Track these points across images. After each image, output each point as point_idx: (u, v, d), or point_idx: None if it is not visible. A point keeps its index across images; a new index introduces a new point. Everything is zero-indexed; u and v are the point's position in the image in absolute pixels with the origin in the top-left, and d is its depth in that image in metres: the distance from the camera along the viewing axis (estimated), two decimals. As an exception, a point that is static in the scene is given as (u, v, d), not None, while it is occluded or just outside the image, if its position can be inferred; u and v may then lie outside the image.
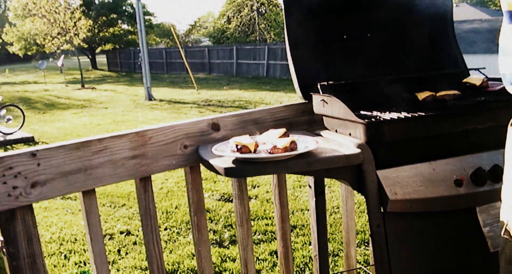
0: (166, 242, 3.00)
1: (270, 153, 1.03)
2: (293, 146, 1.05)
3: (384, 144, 1.12)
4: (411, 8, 1.45)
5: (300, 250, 2.69)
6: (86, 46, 25.47)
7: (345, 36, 1.42)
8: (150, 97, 11.53)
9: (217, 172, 1.04)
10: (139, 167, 1.17)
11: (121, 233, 3.19)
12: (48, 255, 2.87)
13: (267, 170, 1.03)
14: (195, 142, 1.25)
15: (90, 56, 28.24)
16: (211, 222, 3.23)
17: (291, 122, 1.40)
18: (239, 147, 1.05)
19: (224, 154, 1.06)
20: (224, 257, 2.70)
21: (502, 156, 0.86)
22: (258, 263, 2.58)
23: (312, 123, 1.43)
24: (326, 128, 1.32)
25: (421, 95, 1.27)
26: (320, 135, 1.28)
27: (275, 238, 2.89)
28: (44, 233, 3.23)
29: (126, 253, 2.88)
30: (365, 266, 2.17)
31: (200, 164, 1.26)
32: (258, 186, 4.05)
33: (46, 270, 1.03)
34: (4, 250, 0.97)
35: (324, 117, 1.32)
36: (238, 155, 1.04)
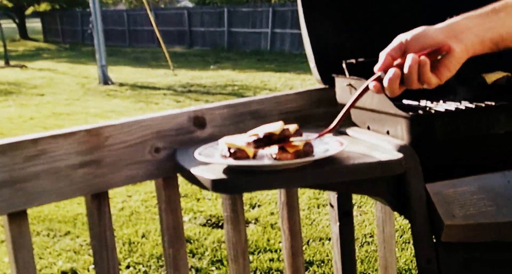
0: (128, 285, 3.01)
1: (275, 158, 1.04)
2: (308, 148, 1.05)
3: (437, 146, 1.12)
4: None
5: (318, 297, 2.71)
6: (10, 5, 25.32)
7: (381, -6, 1.44)
8: (106, 80, 11.57)
9: (201, 186, 1.06)
10: (91, 178, 1.18)
11: (64, 273, 3.20)
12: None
13: (272, 183, 1.05)
14: (170, 144, 1.26)
15: (17, 21, 28.17)
16: (193, 256, 3.25)
17: (305, 115, 1.39)
18: (232, 150, 1.05)
19: (211, 161, 1.06)
20: (210, 307, 2.72)
21: None
22: (259, 316, 2.60)
23: (334, 117, 1.36)
24: (354, 125, 1.32)
25: (491, 77, 1.28)
26: (345, 134, 1.29)
27: (283, 280, 2.90)
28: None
29: (71, 302, 2.89)
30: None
31: (178, 175, 1.27)
32: (259, 206, 4.07)
33: None
34: None
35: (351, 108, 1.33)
36: (232, 162, 1.04)
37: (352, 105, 1.02)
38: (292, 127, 1.13)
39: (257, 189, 1.10)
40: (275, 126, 1.06)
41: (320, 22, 1.36)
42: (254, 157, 1.06)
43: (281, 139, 1.04)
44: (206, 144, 1.20)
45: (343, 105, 1.27)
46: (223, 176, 1.03)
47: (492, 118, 1.13)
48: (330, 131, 1.05)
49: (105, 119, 7.49)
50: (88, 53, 17.58)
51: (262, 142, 1.02)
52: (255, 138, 1.02)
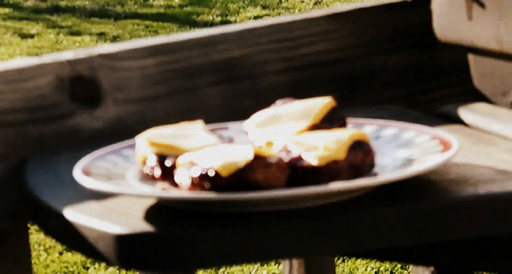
0: None
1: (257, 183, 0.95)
2: (357, 157, 0.97)
3: None
4: None
5: None
6: None
7: None
8: None
9: (91, 253, 0.94)
10: None
11: None
12: None
13: (271, 246, 0.89)
14: (11, 146, 1.14)
15: None
16: None
17: (353, 74, 1.31)
18: (170, 162, 0.96)
19: (115, 189, 0.94)
20: None
21: None
22: None
23: (422, 80, 1.37)
24: (479, 97, 1.29)
25: None
26: (455, 119, 1.23)
27: None
28: None
29: None
30: None
31: (29, 226, 1.19)
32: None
33: None
34: None
35: (470, 57, 1.32)
36: (168, 192, 0.94)
37: None
38: (319, 104, 1.06)
39: (231, 262, 0.91)
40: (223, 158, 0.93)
41: None
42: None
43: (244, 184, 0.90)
44: (103, 145, 1.06)
45: (455, 47, 1.36)
46: (145, 228, 0.88)
47: None
48: None
49: None
50: None
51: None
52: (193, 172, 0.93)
